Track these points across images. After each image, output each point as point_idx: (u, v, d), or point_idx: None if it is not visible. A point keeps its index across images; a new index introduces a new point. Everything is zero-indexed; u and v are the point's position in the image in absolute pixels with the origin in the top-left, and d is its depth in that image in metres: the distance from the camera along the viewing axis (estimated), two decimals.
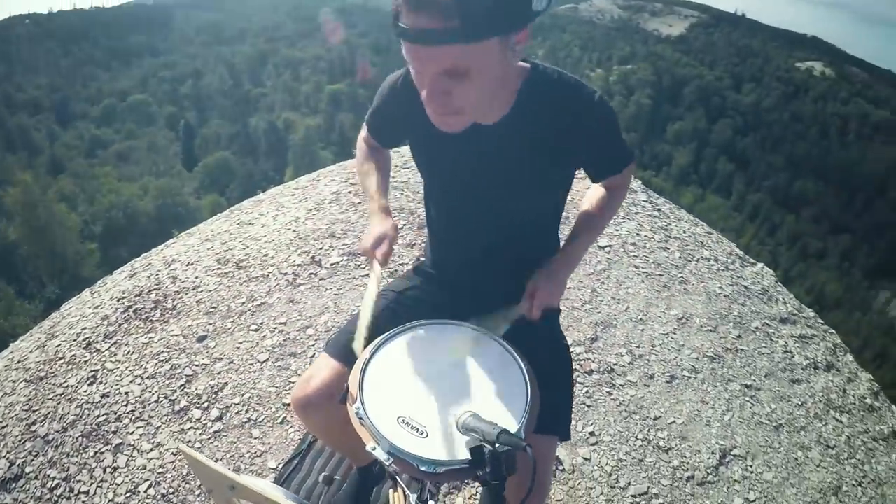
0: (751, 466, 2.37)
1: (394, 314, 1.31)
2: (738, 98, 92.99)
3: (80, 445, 2.09)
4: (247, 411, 2.21)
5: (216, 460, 2.04)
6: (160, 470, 2.01)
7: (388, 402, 1.04)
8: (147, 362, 2.41)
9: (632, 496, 2.13)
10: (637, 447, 2.31)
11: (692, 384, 2.69)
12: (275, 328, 2.61)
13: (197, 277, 2.92)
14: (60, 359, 2.48)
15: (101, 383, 2.33)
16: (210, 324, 2.61)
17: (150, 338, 2.54)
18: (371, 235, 1.29)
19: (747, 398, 2.70)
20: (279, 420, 2.19)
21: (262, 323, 2.63)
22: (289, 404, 2.24)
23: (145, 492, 1.95)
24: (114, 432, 2.13)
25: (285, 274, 2.93)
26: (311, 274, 2.95)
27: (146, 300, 2.78)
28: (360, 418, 1.01)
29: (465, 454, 0.91)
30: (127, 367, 2.39)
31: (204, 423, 2.16)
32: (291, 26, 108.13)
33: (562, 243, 1.39)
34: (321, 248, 3.14)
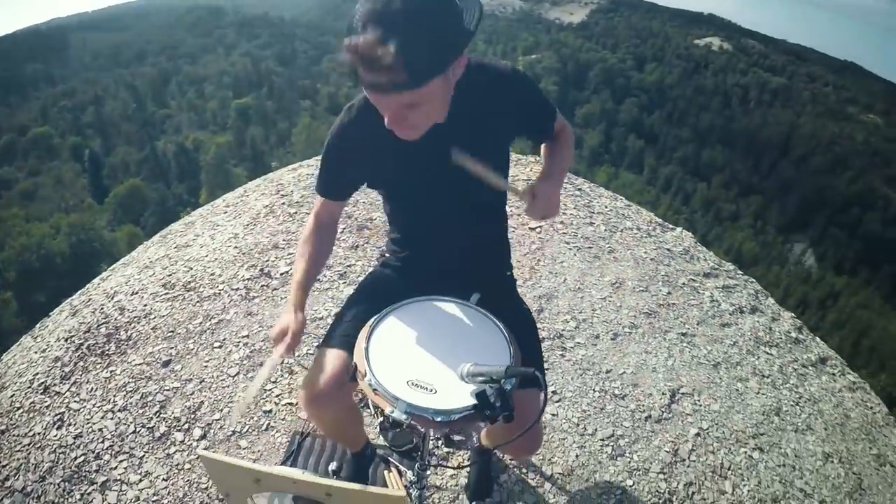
0: (699, 401, 2.63)
1: (375, 304, 1.40)
2: (642, 77, 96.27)
3: (64, 491, 2.02)
4: (229, 425, 2.22)
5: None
6: (154, 498, 1.98)
7: (395, 371, 1.17)
8: (114, 396, 2.35)
9: (600, 440, 2.33)
10: (596, 398, 2.51)
11: (634, 338, 2.92)
12: (238, 342, 2.61)
13: (146, 305, 2.85)
14: (18, 408, 2.35)
15: (70, 425, 2.24)
16: (171, 348, 2.57)
17: (111, 371, 2.47)
18: (277, 327, 1.36)
19: (685, 344, 2.96)
20: (263, 427, 2.22)
21: (224, 339, 2.62)
22: (269, 411, 2.27)
23: None
24: (96, 471, 2.07)
25: (237, 289, 2.92)
26: (262, 286, 2.96)
27: (97, 335, 2.69)
28: (375, 389, 1.13)
29: (471, 401, 1.04)
30: (94, 404, 2.32)
31: (188, 443, 2.15)
32: (192, 42, 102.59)
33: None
34: (267, 260, 3.15)
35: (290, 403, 2.33)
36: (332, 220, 1.55)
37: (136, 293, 2.96)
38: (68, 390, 2.42)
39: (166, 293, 2.92)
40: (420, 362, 1.20)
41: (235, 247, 3.26)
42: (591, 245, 3.64)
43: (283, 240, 3.32)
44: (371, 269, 1.69)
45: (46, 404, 2.36)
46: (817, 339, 3.37)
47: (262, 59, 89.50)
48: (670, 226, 4.15)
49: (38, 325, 3.06)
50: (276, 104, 69.37)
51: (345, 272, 3.08)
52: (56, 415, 2.30)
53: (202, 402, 2.30)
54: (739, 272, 3.80)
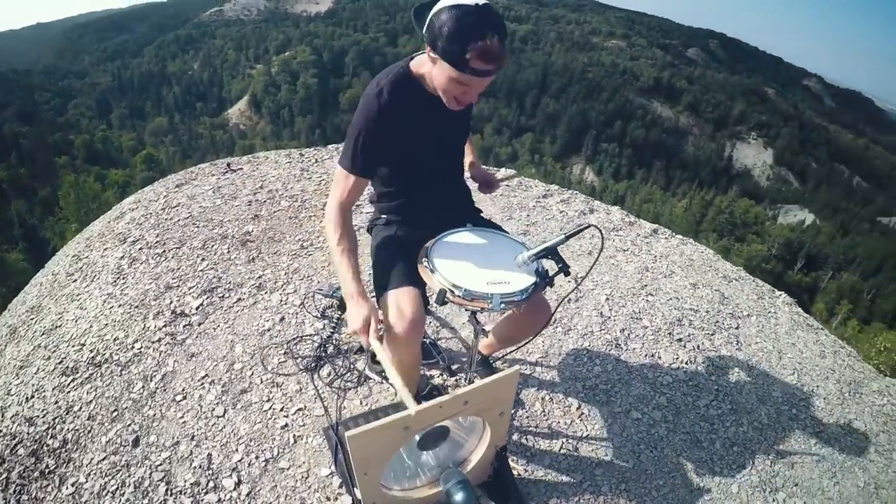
0: (594, 279, 3.30)
1: (402, 251, 1.73)
2: (398, 51, 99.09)
3: None
4: (256, 457, 2.04)
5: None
6: None
7: (474, 281, 1.54)
8: (96, 501, 1.95)
9: (552, 324, 2.81)
10: None
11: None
12: (201, 385, 2.35)
13: (58, 403, 2.34)
14: None
15: None
16: (129, 426, 2.19)
17: (72, 484, 2.01)
18: (357, 319, 1.48)
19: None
20: (292, 442, 2.12)
21: (183, 390, 2.33)
22: (285, 426, 2.18)
23: None
24: None
25: (160, 340, 2.59)
26: (185, 326, 2.67)
27: (18, 459, 2.14)
28: (472, 298, 1.46)
29: (534, 278, 1.57)
30: None
31: (227, 498, 1.93)
32: None
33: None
34: (171, 303, 2.82)
35: (300, 409, 2.26)
36: (353, 202, 1.69)
37: (33, 397, 2.40)
38: None
39: (74, 379, 2.44)
40: (481, 270, 1.58)
41: (120, 305, 2.83)
42: None
43: (172, 278, 2.99)
44: (378, 232, 1.91)
45: None
46: (640, 220, 4.26)
47: (1, 122, 72.28)
48: (494, 169, 4.70)
49: None
50: (30, 170, 56.90)
51: (260, 283, 2.95)
52: None
53: (209, 454, 2.05)
54: (565, 189, 4.60)
